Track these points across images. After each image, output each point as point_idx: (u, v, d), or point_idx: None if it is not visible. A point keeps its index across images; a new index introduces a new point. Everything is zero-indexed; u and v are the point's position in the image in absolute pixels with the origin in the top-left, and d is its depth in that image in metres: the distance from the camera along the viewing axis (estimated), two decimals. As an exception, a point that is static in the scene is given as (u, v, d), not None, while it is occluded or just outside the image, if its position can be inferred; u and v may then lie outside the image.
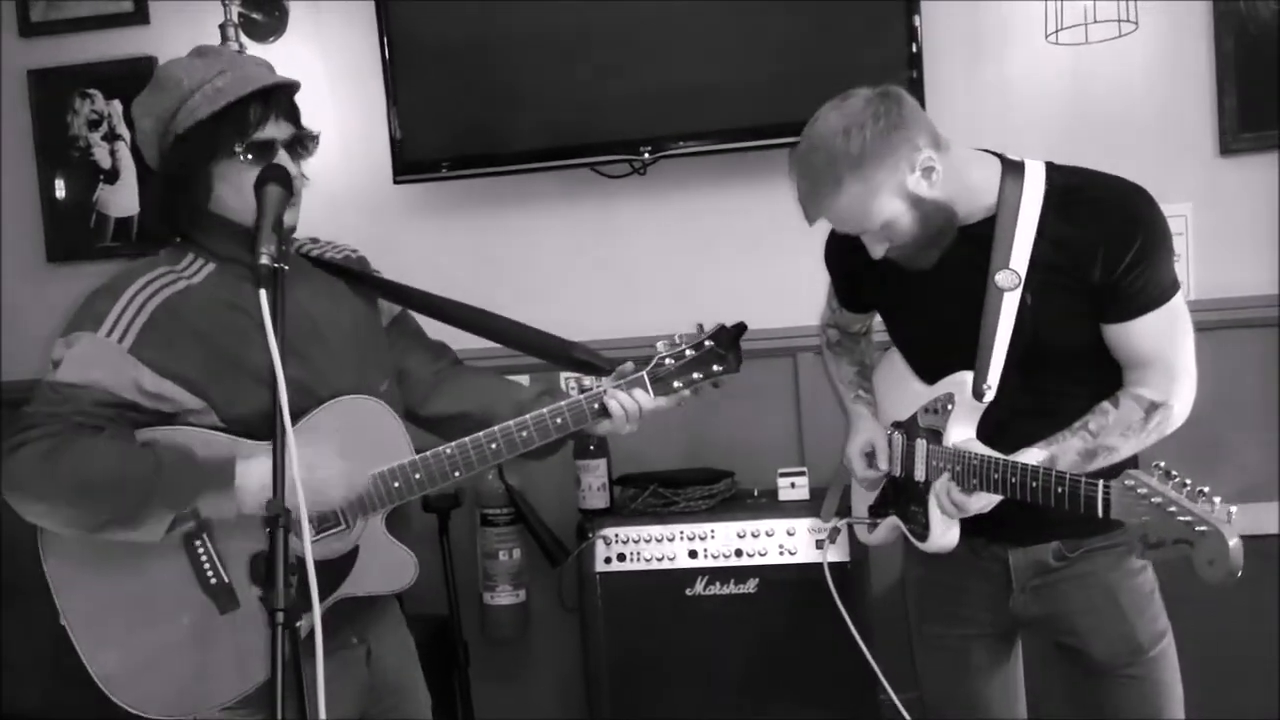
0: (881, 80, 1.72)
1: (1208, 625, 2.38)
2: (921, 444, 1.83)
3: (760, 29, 2.78)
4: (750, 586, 2.63)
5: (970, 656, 1.93)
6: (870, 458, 1.96)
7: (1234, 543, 1.37)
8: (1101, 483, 1.51)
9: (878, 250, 1.73)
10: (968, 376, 1.74)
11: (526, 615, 2.96)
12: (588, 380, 1.77)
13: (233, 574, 1.62)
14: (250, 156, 1.59)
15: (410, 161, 2.95)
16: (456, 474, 1.68)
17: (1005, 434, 1.72)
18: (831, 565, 2.20)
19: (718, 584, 2.65)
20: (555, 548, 2.83)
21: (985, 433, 1.77)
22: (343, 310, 1.77)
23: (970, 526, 1.81)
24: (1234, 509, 1.40)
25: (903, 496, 1.91)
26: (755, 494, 2.83)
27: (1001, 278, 1.69)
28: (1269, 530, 2.50)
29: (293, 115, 1.65)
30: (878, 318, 2.03)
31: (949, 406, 1.78)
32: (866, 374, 2.06)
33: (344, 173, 3.07)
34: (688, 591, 2.65)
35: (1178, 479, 1.44)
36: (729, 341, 1.74)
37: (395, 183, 2.98)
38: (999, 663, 1.95)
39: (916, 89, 2.66)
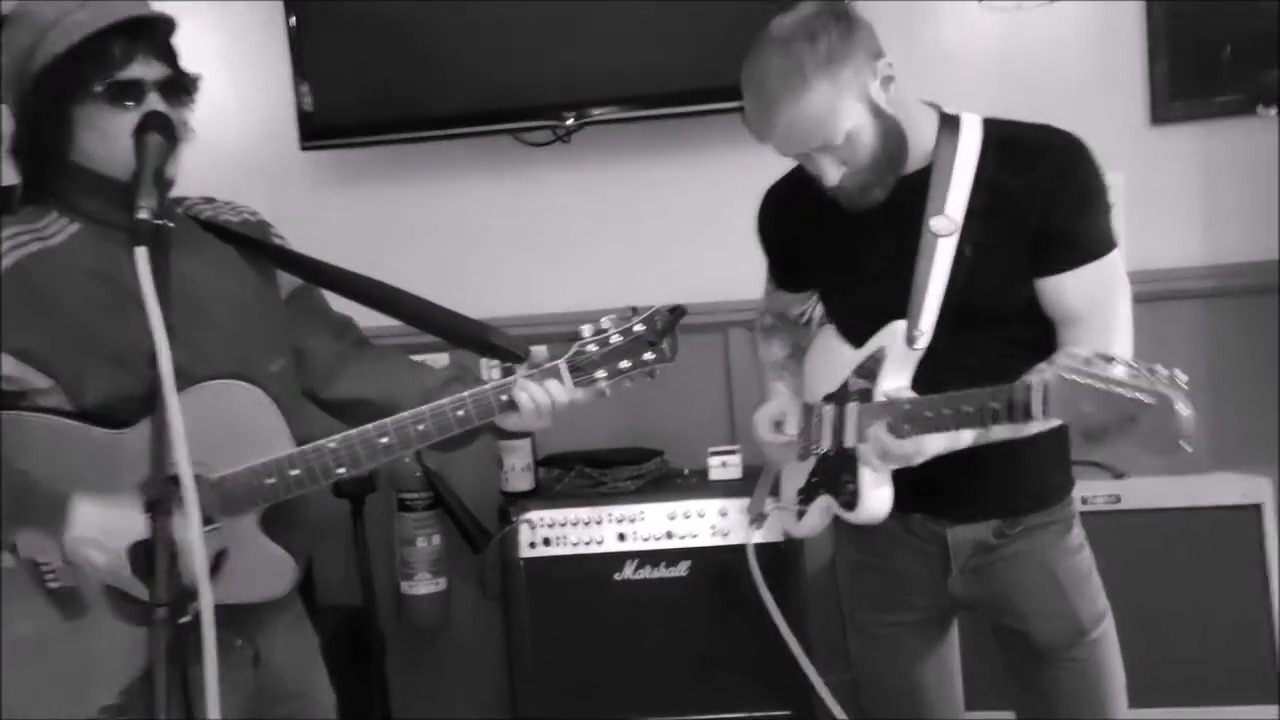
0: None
1: (1188, 593, 2.40)
2: (852, 407, 1.75)
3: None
4: (682, 569, 2.55)
5: (906, 642, 1.88)
6: (779, 426, 1.87)
7: (1182, 408, 1.28)
8: (1037, 380, 1.42)
9: (833, 174, 1.62)
10: (900, 324, 1.67)
11: (447, 605, 2.84)
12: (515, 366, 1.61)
13: (81, 576, 1.47)
14: (114, 98, 1.43)
15: (318, 126, 2.78)
16: (341, 470, 1.52)
17: (960, 364, 1.62)
18: (762, 546, 2.11)
19: (648, 568, 2.56)
20: (477, 533, 2.71)
21: (922, 392, 1.68)
22: (231, 280, 1.62)
23: (907, 502, 1.74)
24: (1182, 376, 1.32)
25: (833, 471, 1.82)
26: (685, 473, 2.75)
27: (936, 223, 1.63)
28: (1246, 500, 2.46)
29: (167, 55, 1.49)
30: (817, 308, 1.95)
31: (881, 360, 1.70)
32: (798, 357, 1.98)
33: (245, 136, 2.89)
34: (616, 576, 2.57)
35: (1121, 361, 1.35)
36: (663, 327, 1.55)
37: (302, 149, 2.81)
38: (935, 648, 1.90)
39: (849, 52, 2.58)
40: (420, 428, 1.52)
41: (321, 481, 1.52)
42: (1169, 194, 2.78)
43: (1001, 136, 1.66)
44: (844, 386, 1.79)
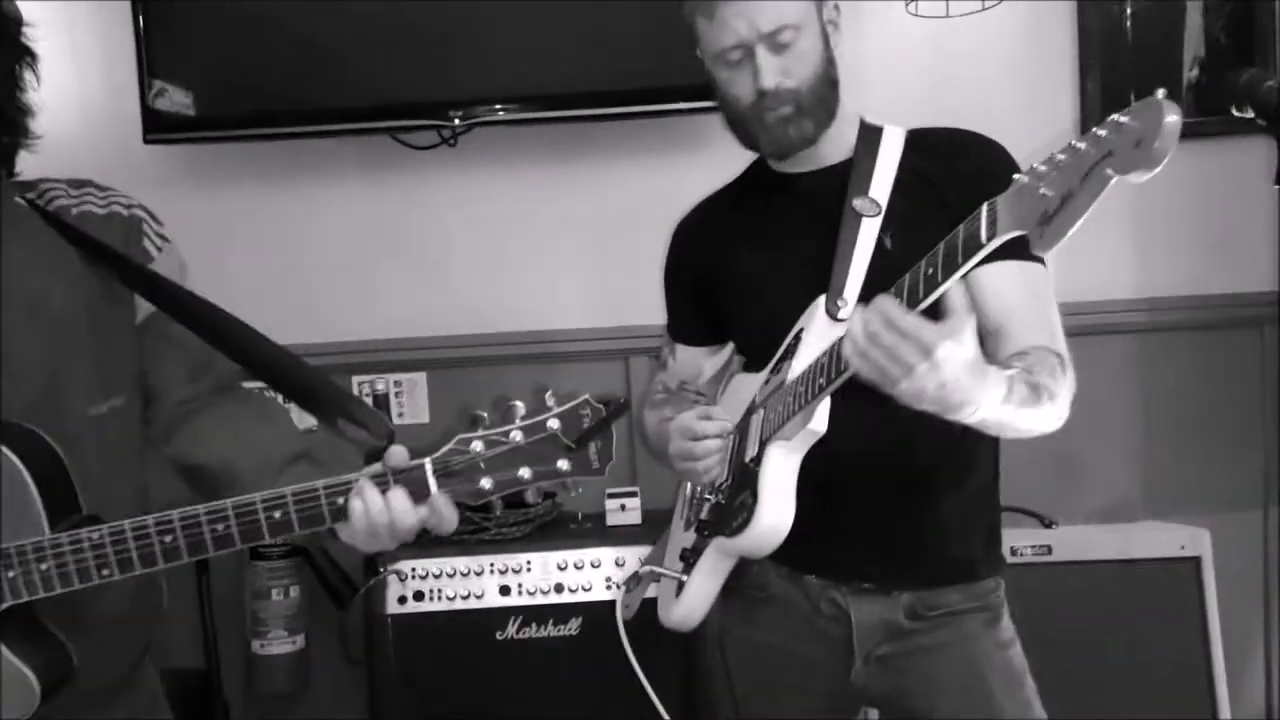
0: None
1: (1125, 650, 2.26)
2: (756, 418, 1.55)
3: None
4: (573, 628, 2.28)
5: None
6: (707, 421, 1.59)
7: (1169, 116, 1.02)
8: (983, 208, 1.19)
9: (769, 76, 1.51)
10: (819, 299, 1.53)
11: (305, 667, 2.51)
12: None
13: None
14: None
15: (164, 117, 2.44)
16: (106, 573, 1.18)
17: (866, 390, 1.32)
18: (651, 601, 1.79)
19: (534, 625, 2.29)
20: (342, 585, 2.39)
21: (833, 411, 1.45)
22: (60, 291, 1.28)
23: (803, 558, 1.52)
24: (1161, 93, 1.06)
25: (727, 504, 1.58)
26: (579, 518, 2.49)
27: (859, 203, 1.54)
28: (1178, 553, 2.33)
29: None
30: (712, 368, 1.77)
31: (797, 346, 1.51)
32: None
33: (81, 126, 2.54)
34: (499, 635, 2.29)
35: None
36: (592, 427, 1.13)
37: (146, 142, 2.48)
38: None
39: (766, 56, 2.38)
40: (219, 528, 1.17)
41: (83, 582, 1.19)
42: (1097, 221, 2.60)
43: (924, 135, 1.62)
44: (750, 405, 1.59)
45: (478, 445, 1.14)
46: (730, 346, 1.76)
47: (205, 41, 2.42)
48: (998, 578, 1.60)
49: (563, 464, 1.14)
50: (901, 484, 1.55)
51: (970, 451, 1.56)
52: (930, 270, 1.25)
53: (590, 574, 2.29)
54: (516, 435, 1.14)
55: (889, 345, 1.21)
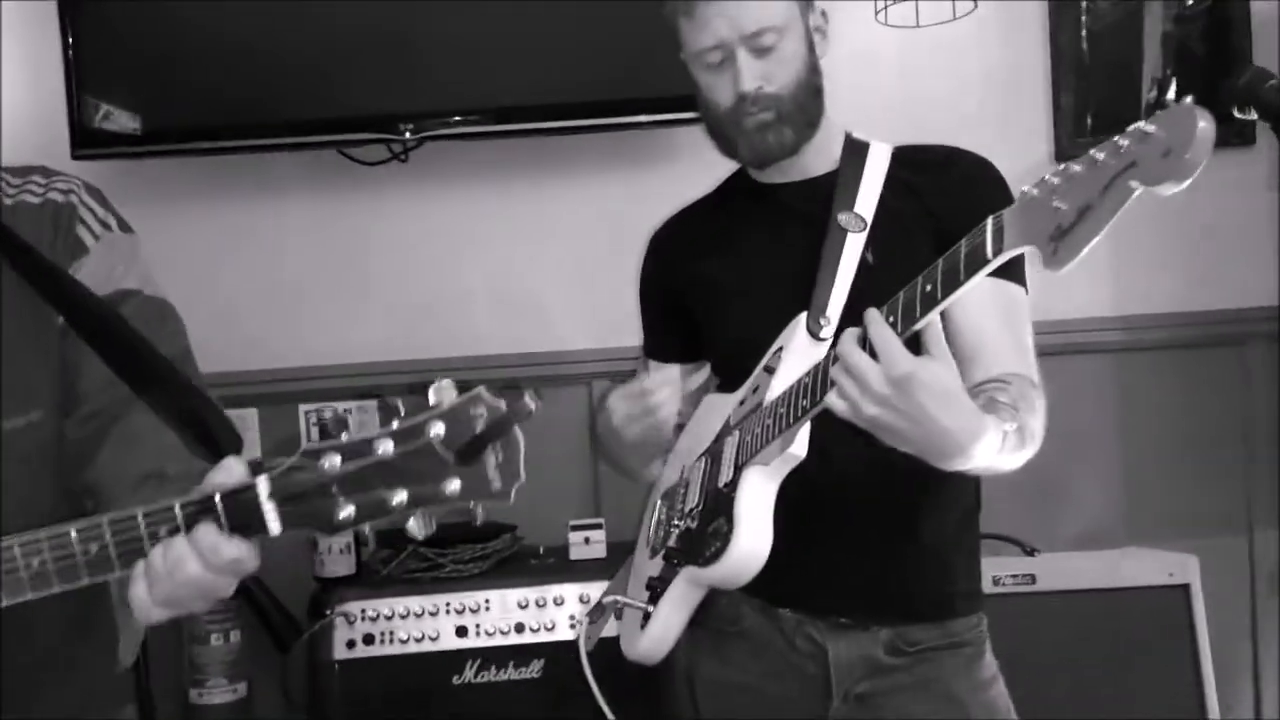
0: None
1: (1113, 681, 2.16)
2: (730, 440, 1.48)
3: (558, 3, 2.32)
4: (534, 670, 2.15)
5: None
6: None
7: (1202, 123, 0.95)
8: (987, 222, 1.11)
9: (749, 79, 1.45)
10: (800, 317, 1.45)
11: (246, 716, 2.35)
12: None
13: None
14: None
15: (94, 131, 2.29)
16: None
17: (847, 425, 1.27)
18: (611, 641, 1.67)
19: (493, 669, 2.15)
20: (286, 627, 2.22)
21: (812, 443, 1.37)
22: None
23: (778, 592, 1.44)
24: (1191, 99, 0.99)
25: (699, 531, 1.48)
26: (541, 552, 2.36)
27: (844, 218, 1.48)
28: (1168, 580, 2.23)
29: None
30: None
31: (776, 365, 1.43)
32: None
33: (11, 140, 2.37)
34: (455, 680, 2.15)
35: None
36: (488, 431, 0.87)
37: (74, 158, 2.32)
38: None
39: (733, 65, 2.29)
40: (36, 563, 0.96)
41: None
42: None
43: (912, 150, 1.56)
44: (723, 428, 1.50)
45: (331, 460, 0.88)
46: (708, 367, 1.67)
47: (137, 50, 2.28)
48: (980, 614, 1.54)
49: (450, 485, 0.87)
50: (881, 513, 1.48)
51: (952, 480, 1.46)
52: (928, 287, 1.17)
53: (553, 612, 2.17)
54: (384, 446, 0.87)
55: (855, 369, 1.17)
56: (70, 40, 2.28)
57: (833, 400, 1.20)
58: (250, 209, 2.51)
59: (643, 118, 2.34)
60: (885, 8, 2.37)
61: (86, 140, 2.29)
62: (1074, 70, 2.53)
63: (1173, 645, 2.20)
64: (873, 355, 1.17)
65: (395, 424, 0.87)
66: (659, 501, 1.61)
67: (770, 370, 1.45)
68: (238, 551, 0.91)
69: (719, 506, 1.44)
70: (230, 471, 0.93)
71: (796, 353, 1.43)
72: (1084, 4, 2.53)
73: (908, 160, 1.53)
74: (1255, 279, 2.55)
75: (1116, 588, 2.22)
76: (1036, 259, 1.06)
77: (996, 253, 1.10)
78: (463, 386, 0.88)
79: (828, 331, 1.42)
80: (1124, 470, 2.58)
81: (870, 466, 1.41)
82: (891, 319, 1.19)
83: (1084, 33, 2.54)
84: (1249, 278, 2.55)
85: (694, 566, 1.46)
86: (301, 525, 0.90)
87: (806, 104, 1.49)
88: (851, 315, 1.38)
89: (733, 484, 1.42)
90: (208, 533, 0.90)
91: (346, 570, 2.25)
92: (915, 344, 1.21)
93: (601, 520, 2.34)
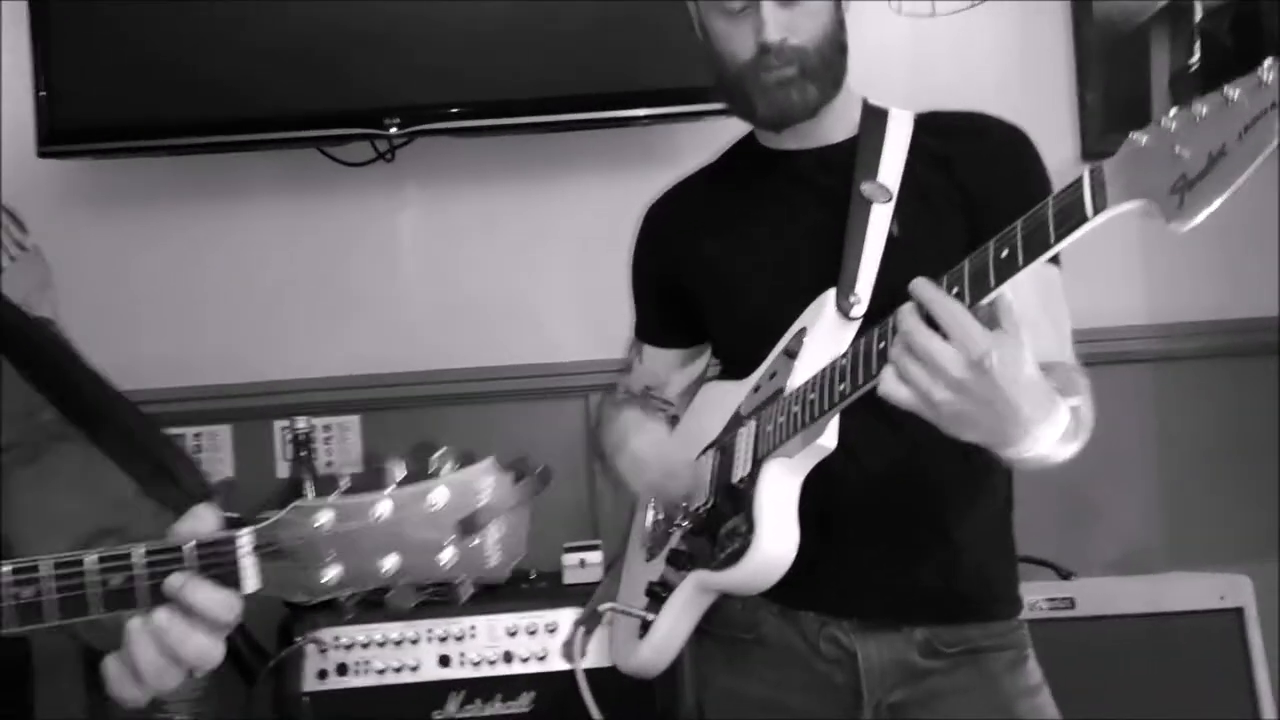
0: (691, 53, 1.47)
1: (1162, 712, 2.00)
2: (744, 431, 1.36)
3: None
4: (524, 703, 2.00)
5: None
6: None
7: None
8: (1084, 175, 0.99)
9: (774, 29, 1.34)
10: (829, 293, 1.34)
11: (211, 757, 2.17)
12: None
13: None
14: None
15: (64, 128, 2.17)
16: None
17: (873, 400, 1.16)
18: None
19: (479, 701, 2.00)
20: (253, 657, 2.08)
21: (846, 411, 1.25)
22: None
23: (796, 594, 1.31)
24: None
25: (709, 532, 1.38)
26: (532, 576, 2.19)
27: (868, 188, 1.38)
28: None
29: None
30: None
31: (798, 348, 1.33)
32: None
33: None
34: (437, 714, 2.00)
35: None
36: (493, 508, 0.84)
37: (40, 155, 2.21)
38: None
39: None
40: None
41: None
42: (1106, 244, 2.41)
43: (936, 117, 1.48)
44: (732, 419, 1.40)
45: (325, 517, 0.82)
46: (707, 352, 1.55)
47: (106, 42, 2.15)
48: (1018, 617, 1.42)
49: (445, 555, 0.83)
50: (910, 504, 1.37)
51: (984, 469, 1.37)
52: (1004, 252, 1.04)
53: (544, 640, 2.00)
54: (382, 508, 0.82)
55: (924, 350, 1.03)
56: (37, 32, 2.17)
57: (892, 387, 1.07)
58: (224, 212, 2.39)
59: (642, 111, 2.22)
60: (899, -4, 2.26)
61: (53, 138, 2.17)
62: (1099, 63, 2.40)
63: (1226, 673, 2.04)
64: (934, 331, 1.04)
65: (396, 486, 0.83)
66: (652, 499, 1.48)
67: (791, 354, 1.34)
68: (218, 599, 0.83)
69: (734, 504, 1.34)
70: (202, 520, 0.86)
71: (824, 333, 1.32)
72: (1105, -5, 2.42)
73: (933, 127, 1.44)
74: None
75: (1163, 612, 2.06)
76: (1154, 213, 0.94)
77: (1099, 209, 0.97)
78: (465, 458, 0.86)
79: (859, 310, 1.31)
80: (1162, 488, 2.41)
81: (898, 453, 1.33)
82: (955, 290, 1.06)
83: (1107, 23, 2.42)
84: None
85: (705, 570, 1.35)
86: (280, 589, 0.84)
87: (833, 61, 1.39)
88: (883, 292, 1.30)
89: (751, 479, 1.32)
90: (204, 592, 0.83)
91: (320, 594, 2.09)
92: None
93: (599, 541, 2.19)
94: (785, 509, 1.28)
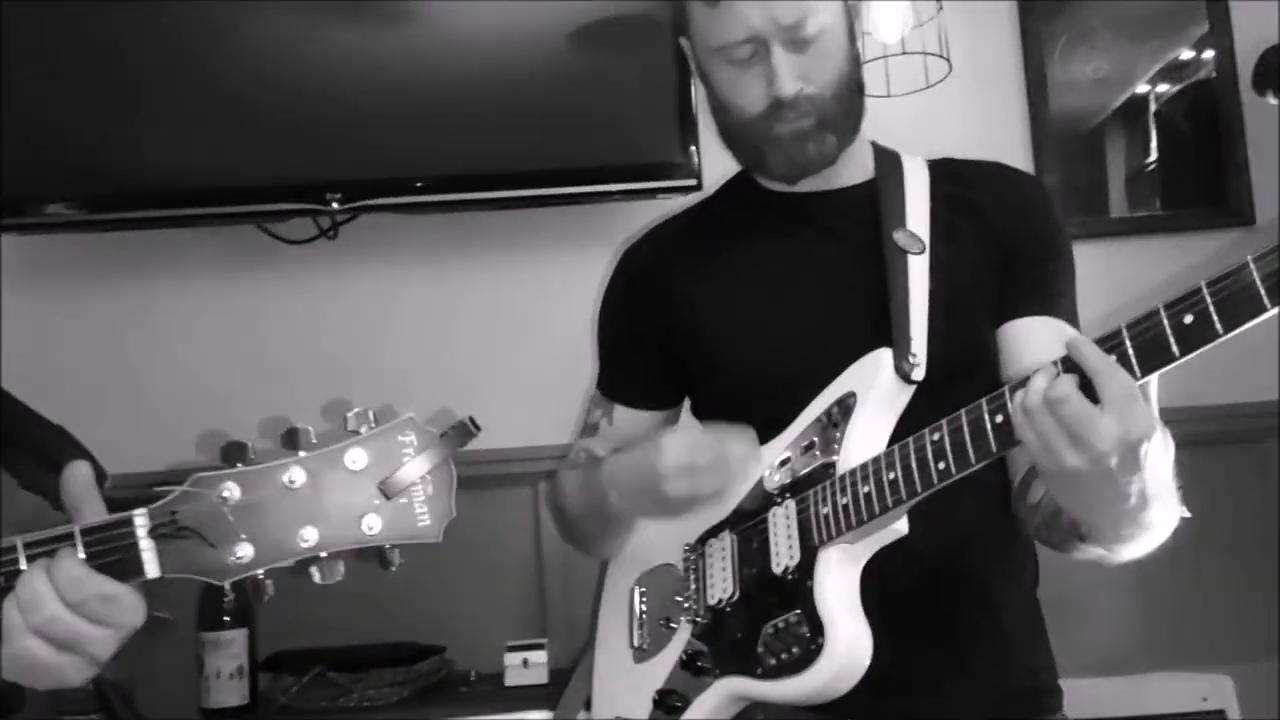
0: (653, 128, 1.53)
1: None
2: (782, 511, 1.19)
3: (509, 59, 2.11)
4: None
5: None
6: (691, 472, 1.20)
7: None
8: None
9: (788, 82, 1.24)
10: (884, 354, 1.20)
11: None
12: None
13: None
14: None
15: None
16: None
17: None
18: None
19: None
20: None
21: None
22: None
23: (838, 700, 1.14)
24: None
25: (737, 633, 1.20)
26: (472, 678, 2.05)
27: (901, 238, 1.28)
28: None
29: None
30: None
31: (848, 414, 1.18)
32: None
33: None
34: None
35: None
36: (417, 465, 0.80)
37: (-35, 228, 2.10)
38: None
39: (690, 131, 2.10)
40: None
41: None
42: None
43: (951, 163, 1.41)
44: (753, 495, 1.22)
45: (230, 489, 0.75)
46: (683, 413, 1.41)
47: (32, 113, 2.04)
48: (1060, 711, 1.30)
49: (370, 522, 0.76)
50: (954, 590, 1.24)
51: (1021, 550, 1.30)
52: (1187, 318, 0.92)
53: (483, 750, 1.84)
54: (294, 475, 0.75)
55: (1080, 429, 0.93)
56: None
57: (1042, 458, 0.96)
58: (156, 290, 2.26)
59: (598, 188, 2.13)
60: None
61: (-15, 211, 2.05)
62: (1055, 154, 2.37)
63: (1211, 778, 1.93)
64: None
65: (308, 450, 0.77)
66: (635, 588, 1.30)
67: (835, 422, 1.19)
68: (107, 587, 0.74)
69: (782, 599, 1.16)
70: (76, 474, 0.77)
71: (879, 399, 1.18)
72: (1058, 71, 2.39)
73: (950, 172, 1.37)
74: (1265, 374, 2.34)
75: (1147, 715, 1.97)
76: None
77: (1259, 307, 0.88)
78: (383, 414, 0.80)
79: (919, 374, 1.19)
80: (1140, 584, 2.29)
81: (939, 535, 1.18)
82: (1116, 357, 0.95)
83: (1064, 118, 2.40)
84: (1262, 371, 2.34)
85: (746, 679, 1.17)
86: (187, 569, 0.76)
87: (851, 105, 1.31)
88: (933, 351, 1.20)
89: (803, 569, 1.15)
90: (69, 563, 0.73)
91: (239, 700, 1.92)
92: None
93: (544, 640, 2.03)
94: (855, 605, 1.13)
